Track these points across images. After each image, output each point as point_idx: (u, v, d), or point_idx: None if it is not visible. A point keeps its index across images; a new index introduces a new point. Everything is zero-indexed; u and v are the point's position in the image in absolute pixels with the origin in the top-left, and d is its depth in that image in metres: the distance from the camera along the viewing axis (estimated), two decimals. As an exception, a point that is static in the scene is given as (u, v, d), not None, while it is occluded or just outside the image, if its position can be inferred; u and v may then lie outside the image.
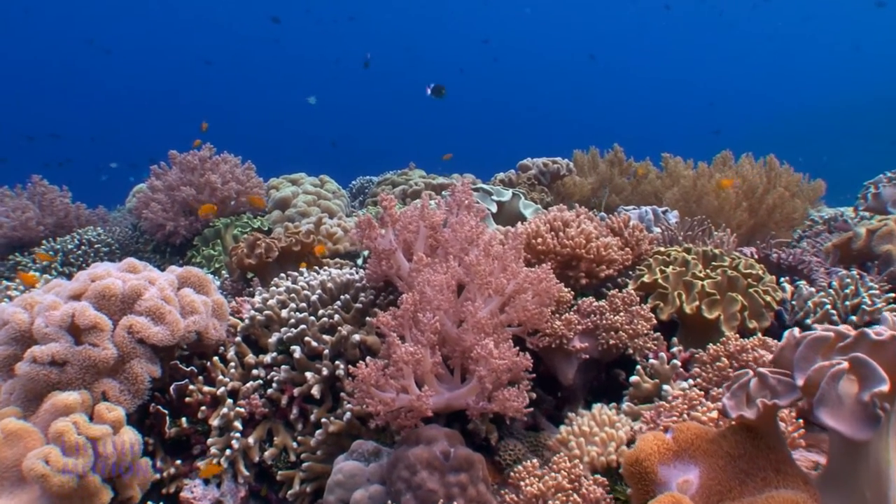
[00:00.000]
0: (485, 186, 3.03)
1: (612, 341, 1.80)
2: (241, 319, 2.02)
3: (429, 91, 4.34)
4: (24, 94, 25.83)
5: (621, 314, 1.83)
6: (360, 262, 3.04)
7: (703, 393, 1.44)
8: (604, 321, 1.83)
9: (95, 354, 1.63)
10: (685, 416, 1.35)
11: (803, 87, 24.82)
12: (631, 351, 1.81)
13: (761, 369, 1.07)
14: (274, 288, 2.09)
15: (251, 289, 2.63)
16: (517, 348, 1.62)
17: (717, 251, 2.23)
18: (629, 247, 2.27)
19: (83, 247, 3.77)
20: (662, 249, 2.27)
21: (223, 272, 3.16)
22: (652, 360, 1.77)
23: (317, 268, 2.45)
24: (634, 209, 3.44)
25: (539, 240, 2.07)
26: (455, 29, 29.20)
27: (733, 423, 1.11)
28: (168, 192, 3.79)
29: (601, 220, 2.48)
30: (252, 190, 3.96)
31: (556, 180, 4.13)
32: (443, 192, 3.07)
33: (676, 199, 3.88)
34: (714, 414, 1.33)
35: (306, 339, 1.83)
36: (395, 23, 30.02)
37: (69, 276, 3.66)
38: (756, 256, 2.58)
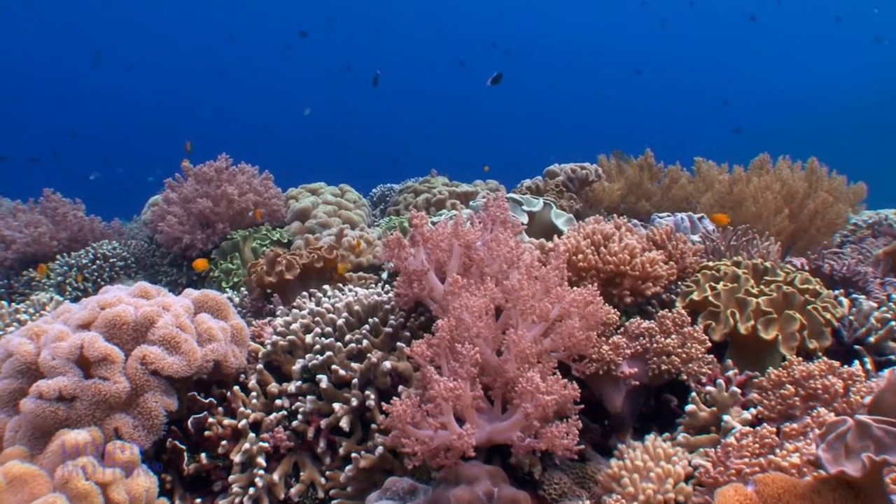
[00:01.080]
0: (514, 196, 2.89)
1: (663, 367, 1.66)
2: (263, 345, 1.89)
3: (489, 82, 4.28)
4: (37, 107, 25.96)
5: (673, 337, 1.69)
6: (384, 275, 2.92)
7: (774, 430, 1.30)
8: (654, 345, 1.69)
9: (106, 388, 1.50)
10: (761, 460, 1.21)
11: (822, 84, 24.47)
12: (685, 377, 1.67)
13: (863, 418, 0.92)
14: (297, 310, 1.96)
15: (271, 306, 2.51)
16: (562, 377, 1.48)
17: (768, 264, 2.08)
18: (673, 260, 2.13)
19: (98, 261, 3.67)
20: (711, 264, 2.12)
21: (242, 288, 3.04)
22: (709, 388, 1.62)
23: (340, 285, 2.32)
24: (669, 216, 3.29)
25: (580, 256, 1.93)
26: (470, 33, 29.07)
27: (828, 477, 0.96)
28: (184, 204, 3.68)
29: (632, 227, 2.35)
30: (270, 201, 3.85)
31: (584, 186, 3.98)
32: (471, 203, 2.94)
33: (711, 204, 3.73)
34: (795, 458, 1.18)
35: (333, 366, 1.70)
36: (409, 28, 29.94)
37: (84, 291, 3.57)
38: (807, 268, 2.43)
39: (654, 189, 4.26)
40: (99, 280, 3.63)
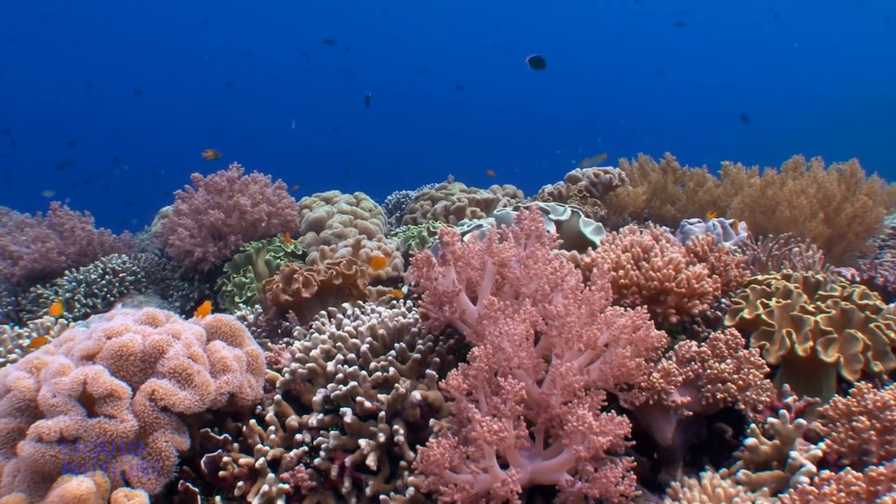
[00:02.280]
0: (540, 204, 2.75)
1: (719, 395, 1.51)
2: (281, 372, 1.75)
3: (528, 62, 4.13)
4: (49, 119, 25.95)
5: (727, 361, 1.54)
6: (404, 289, 2.78)
7: (861, 476, 1.15)
8: (707, 370, 1.54)
9: (112, 428, 1.37)
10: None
11: (835, 79, 24.17)
12: (742, 406, 1.52)
13: None
14: (317, 334, 1.82)
15: (288, 324, 2.38)
16: (605, 408, 1.34)
17: (819, 277, 1.94)
18: (717, 273, 1.98)
19: (107, 276, 3.55)
20: (759, 278, 1.97)
21: (257, 306, 2.91)
22: (771, 419, 1.47)
23: (361, 303, 2.19)
24: (699, 222, 3.14)
25: (620, 272, 1.79)
26: (471, 37, 28.90)
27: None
28: (195, 216, 3.56)
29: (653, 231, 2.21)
30: (284, 211, 3.72)
31: (608, 191, 3.84)
32: (495, 213, 2.80)
33: (741, 208, 3.58)
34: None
35: (358, 398, 1.56)
36: (418, 33, 29.79)
37: (93, 308, 3.45)
38: (858, 279, 2.28)
39: (678, 193, 4.11)
40: (108, 296, 3.52)
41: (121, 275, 3.57)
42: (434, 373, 1.61)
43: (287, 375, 1.71)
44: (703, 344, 1.62)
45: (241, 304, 3.12)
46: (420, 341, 1.70)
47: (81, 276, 3.51)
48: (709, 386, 1.53)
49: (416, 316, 1.82)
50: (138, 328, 1.57)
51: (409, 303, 2.41)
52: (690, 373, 1.55)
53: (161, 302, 3.63)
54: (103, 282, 3.52)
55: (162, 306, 3.60)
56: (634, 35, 27.84)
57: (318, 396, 1.63)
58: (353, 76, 21.52)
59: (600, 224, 2.79)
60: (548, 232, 1.69)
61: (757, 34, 25.96)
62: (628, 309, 1.59)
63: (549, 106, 27.56)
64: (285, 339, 2.17)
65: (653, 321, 1.64)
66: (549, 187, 3.89)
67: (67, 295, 3.44)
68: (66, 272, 3.57)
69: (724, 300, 2.02)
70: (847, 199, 3.29)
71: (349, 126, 24.20)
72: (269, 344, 2.17)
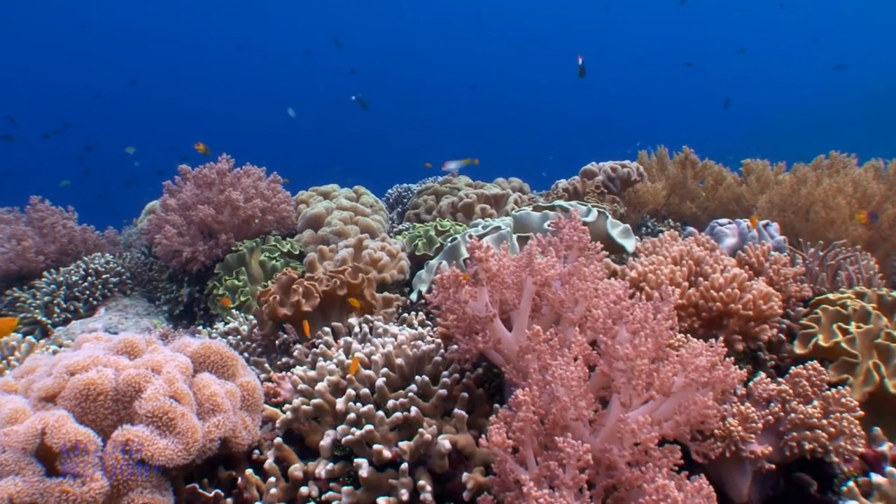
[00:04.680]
0: (561, 203, 2.50)
1: (807, 445, 1.27)
2: (281, 408, 1.50)
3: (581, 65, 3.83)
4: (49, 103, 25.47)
5: (814, 403, 1.30)
6: (413, 297, 2.53)
7: None
8: (790, 414, 1.30)
9: (76, 491, 1.12)
10: None
11: (833, 72, 23.89)
12: (834, 459, 1.28)
13: None
14: (322, 361, 1.57)
15: (286, 336, 2.12)
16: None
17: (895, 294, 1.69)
18: (776, 288, 1.74)
19: (90, 277, 3.28)
20: (831, 296, 1.72)
21: (251, 317, 2.64)
22: (876, 478, 1.23)
23: (370, 318, 1.94)
24: (730, 223, 2.89)
25: (676, 291, 1.54)
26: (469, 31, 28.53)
27: None
28: (183, 212, 3.29)
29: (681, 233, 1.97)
30: (279, 206, 3.45)
31: (626, 187, 3.58)
32: (514, 213, 2.55)
33: (769, 207, 3.33)
34: None
35: (375, 445, 1.31)
36: (404, 25, 29.37)
37: (75, 312, 3.19)
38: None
39: (697, 189, 3.86)
40: (91, 299, 3.25)
41: (104, 276, 3.30)
42: (463, 413, 1.36)
43: (289, 414, 1.45)
44: (779, 379, 1.38)
45: (234, 311, 2.86)
46: (445, 373, 1.45)
47: (61, 278, 3.24)
48: (793, 433, 1.29)
49: (437, 339, 1.57)
50: (111, 360, 1.31)
51: (422, 314, 2.16)
52: (770, 417, 1.31)
53: (148, 305, 3.37)
54: (85, 284, 3.25)
55: (149, 310, 3.33)
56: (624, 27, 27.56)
57: (326, 440, 1.38)
58: (353, 74, 21.05)
59: (628, 226, 2.55)
60: (592, 243, 1.44)
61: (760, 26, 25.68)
62: (692, 338, 1.35)
63: (547, 100, 27.27)
64: (284, 359, 1.92)
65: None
66: (562, 182, 3.63)
67: (46, 298, 3.17)
68: (45, 273, 3.30)
69: (784, 321, 1.77)
70: (888, 198, 3.04)
71: (346, 121, 23.89)
72: (266, 366, 1.92)
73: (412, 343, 1.55)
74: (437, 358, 1.49)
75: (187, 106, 26.71)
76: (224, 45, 26.47)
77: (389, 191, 4.59)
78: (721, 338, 1.25)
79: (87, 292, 3.24)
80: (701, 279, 1.57)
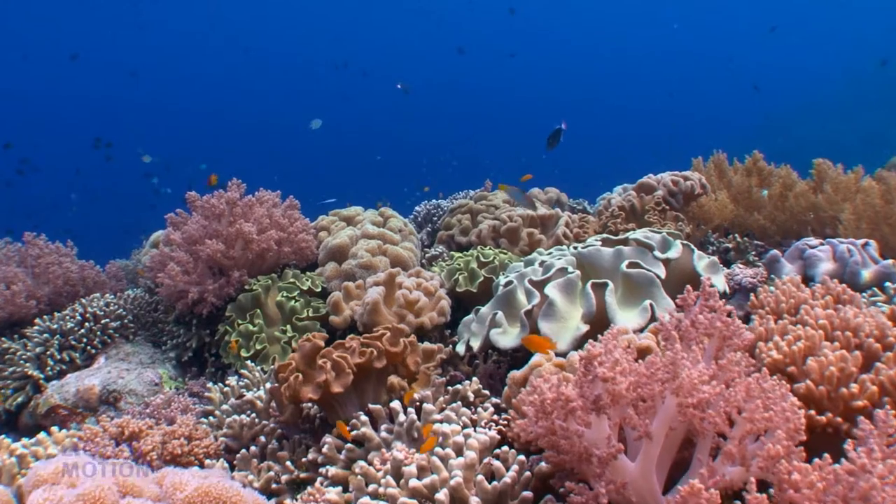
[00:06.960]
0: (639, 238, 2.08)
1: None
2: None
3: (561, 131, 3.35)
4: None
5: None
6: (460, 349, 2.12)
7: None
8: None
9: None
10: None
11: (849, 52, 23.10)
12: None
13: None
14: (362, 481, 1.16)
15: (307, 426, 1.72)
16: None
17: None
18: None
19: (87, 323, 2.90)
20: None
21: (266, 366, 2.25)
22: None
23: (423, 406, 1.54)
24: (822, 244, 2.47)
25: (820, 385, 1.12)
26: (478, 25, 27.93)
27: None
28: (189, 246, 2.90)
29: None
30: (297, 237, 3.05)
31: (689, 201, 3.16)
32: (580, 249, 2.13)
33: (855, 220, 2.89)
34: None
35: None
36: (405, 30, 28.92)
37: (71, 363, 2.81)
38: None
39: (762, 199, 3.42)
40: (89, 347, 2.87)
41: (103, 321, 2.92)
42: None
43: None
44: None
45: (249, 363, 2.47)
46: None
47: (55, 325, 2.86)
48: None
49: (518, 456, 1.16)
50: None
51: (476, 382, 1.75)
52: None
53: (152, 352, 2.98)
54: (82, 330, 2.87)
55: (153, 357, 2.95)
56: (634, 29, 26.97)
57: None
58: (366, 76, 20.61)
59: (715, 259, 2.13)
60: (741, 325, 1.02)
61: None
62: None
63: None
64: (312, 455, 1.52)
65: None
66: (616, 198, 3.21)
67: (38, 349, 2.80)
68: (38, 320, 2.92)
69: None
70: None
71: (360, 131, 23.51)
72: (289, 464, 1.52)
73: (486, 464, 1.14)
74: (526, 493, 1.08)
75: (192, 114, 26.51)
76: (233, 50, 26.26)
77: (417, 208, 4.18)
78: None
79: (85, 340, 2.86)
80: (882, 366, 1.15)
